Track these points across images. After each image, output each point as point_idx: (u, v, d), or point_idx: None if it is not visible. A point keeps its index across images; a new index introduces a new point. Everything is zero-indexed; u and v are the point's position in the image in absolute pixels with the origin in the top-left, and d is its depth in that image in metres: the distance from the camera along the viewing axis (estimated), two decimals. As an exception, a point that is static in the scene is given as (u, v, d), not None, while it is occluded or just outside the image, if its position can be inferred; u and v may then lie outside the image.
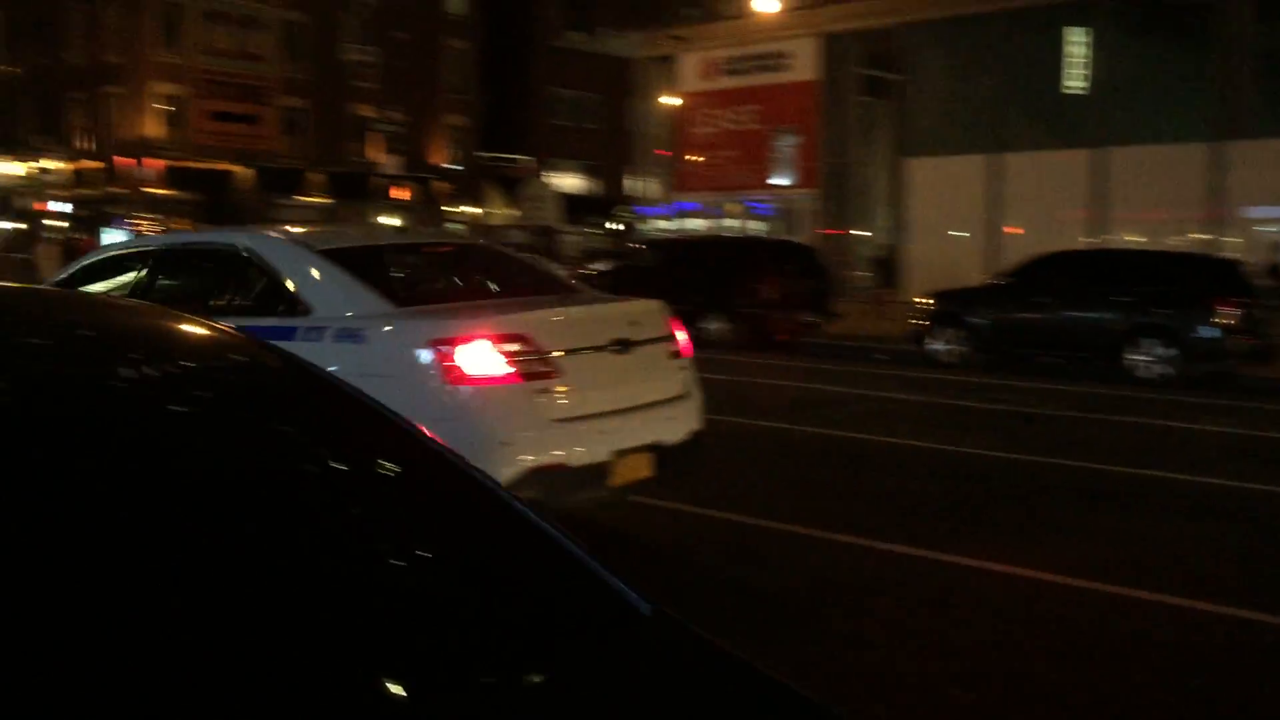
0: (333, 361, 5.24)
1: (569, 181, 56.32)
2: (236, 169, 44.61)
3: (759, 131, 31.51)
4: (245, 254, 6.40)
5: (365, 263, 6.35)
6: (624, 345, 6.08)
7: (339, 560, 1.65)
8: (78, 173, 45.66)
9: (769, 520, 7.21)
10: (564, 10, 38.32)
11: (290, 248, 6.43)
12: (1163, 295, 15.35)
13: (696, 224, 34.03)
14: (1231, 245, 22.26)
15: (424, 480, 1.95)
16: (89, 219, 46.28)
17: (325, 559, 1.62)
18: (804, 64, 30.45)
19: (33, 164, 44.04)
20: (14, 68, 48.49)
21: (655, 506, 7.38)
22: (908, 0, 27.69)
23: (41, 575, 1.33)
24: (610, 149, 50.79)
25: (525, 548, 1.86)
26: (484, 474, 2.01)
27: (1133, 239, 24.26)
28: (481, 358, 5.52)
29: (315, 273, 6.12)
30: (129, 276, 6.73)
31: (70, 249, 42.30)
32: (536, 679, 1.54)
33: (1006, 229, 26.13)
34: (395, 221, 46.59)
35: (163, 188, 43.04)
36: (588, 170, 57.97)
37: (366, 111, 41.71)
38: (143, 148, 42.75)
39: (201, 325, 2.07)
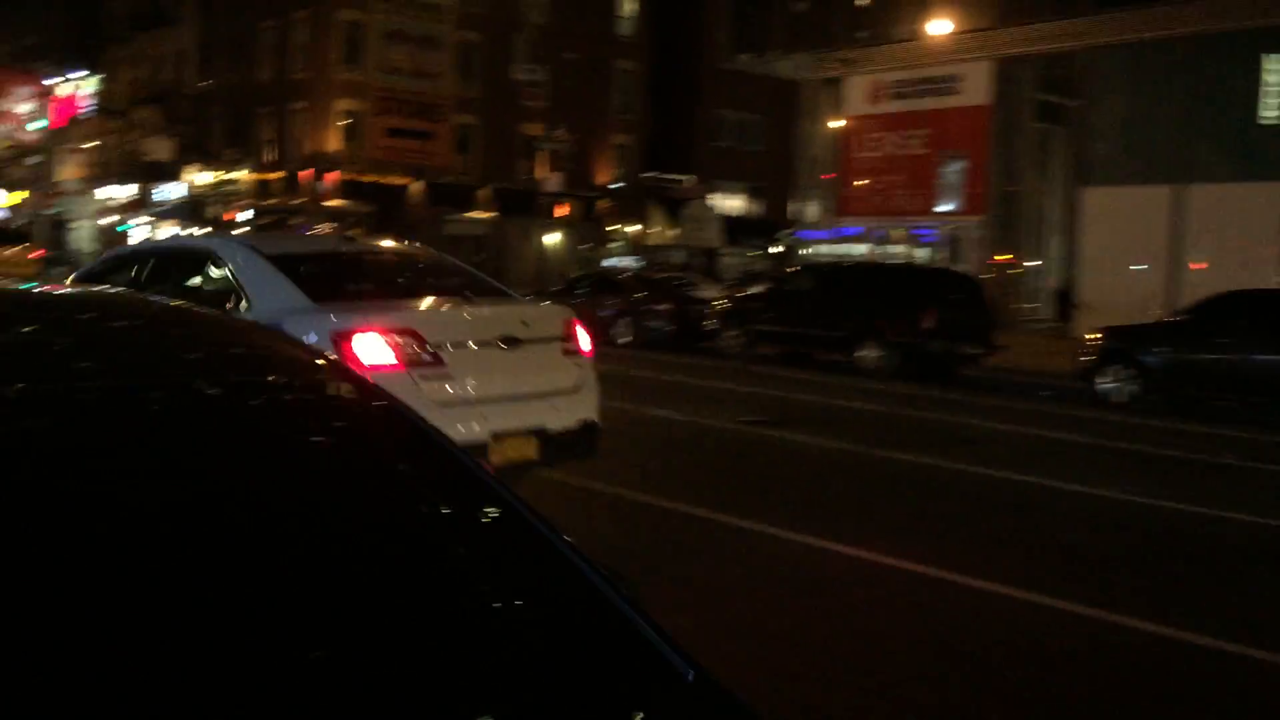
0: None
1: (732, 203, 56.16)
2: (409, 183, 45.98)
3: (925, 156, 30.78)
4: (212, 256, 7.54)
5: (301, 266, 7.27)
6: (512, 342, 6.94)
7: (379, 603, 1.51)
8: (262, 183, 47.81)
9: (910, 562, 6.84)
10: (733, 32, 38.27)
11: (244, 252, 7.42)
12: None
13: (858, 249, 33.45)
14: None
15: (471, 521, 1.79)
16: (271, 228, 48.46)
17: (360, 599, 1.48)
18: (976, 88, 29.62)
19: (221, 174, 46.35)
20: (209, 83, 51.16)
21: (818, 546, 7.13)
22: (1089, 24, 26.64)
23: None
24: (774, 171, 50.45)
25: (567, 597, 1.68)
26: (529, 510, 1.84)
27: (1329, 278, 22.68)
28: (371, 347, 6.46)
29: (258, 273, 7.09)
30: (125, 274, 7.85)
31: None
32: None
33: (1191, 265, 24.81)
34: (557, 237, 47.32)
35: (339, 199, 44.66)
36: (751, 192, 57.71)
37: (534, 130, 42.45)
38: (322, 161, 44.47)
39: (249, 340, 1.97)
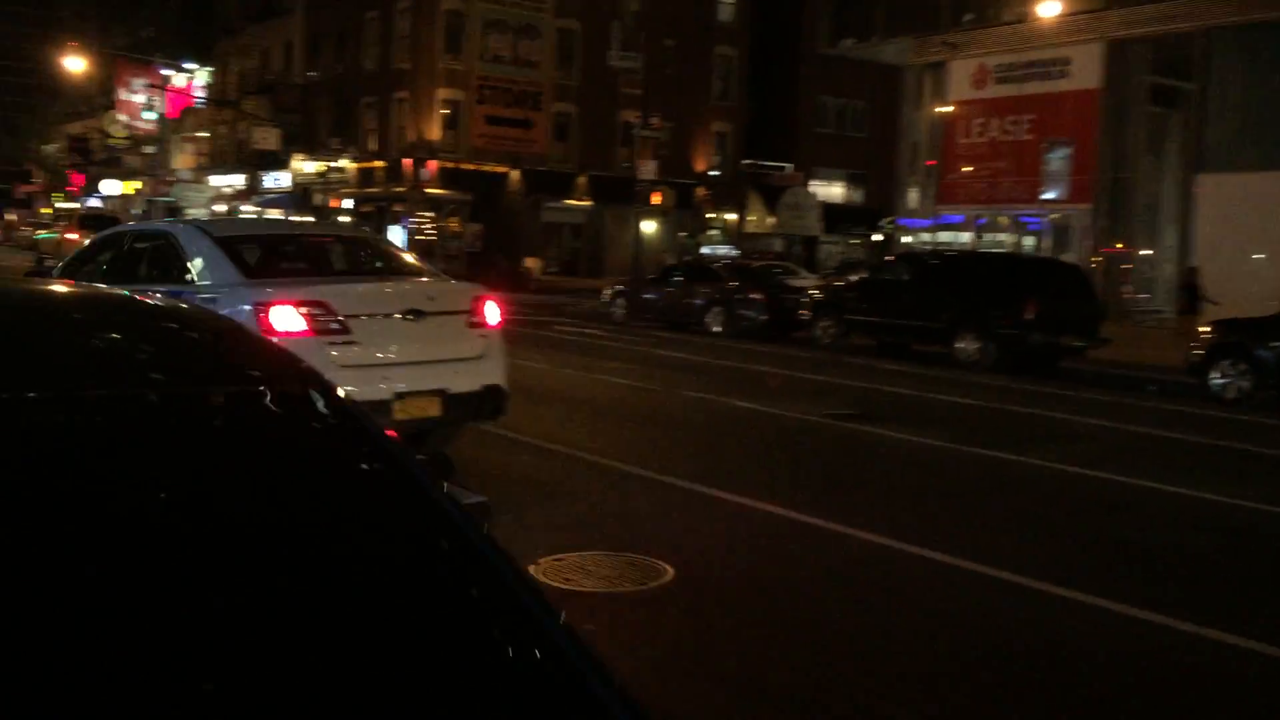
0: None
1: (832, 191, 55.41)
2: (508, 171, 46.26)
3: (1031, 142, 29.89)
4: (168, 238, 8.71)
5: (243, 247, 8.47)
6: (417, 314, 7.95)
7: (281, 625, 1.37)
8: (365, 172, 48.57)
9: (987, 566, 6.53)
10: (834, 17, 37.65)
11: (194, 234, 8.60)
12: None
13: (961, 237, 32.67)
14: None
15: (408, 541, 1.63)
16: (373, 215, 49.22)
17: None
18: (1086, 71, 28.63)
19: (326, 163, 47.22)
20: (315, 74, 52.12)
21: (909, 552, 6.89)
22: (1205, 3, 25.53)
23: None
24: (876, 158, 49.59)
25: (510, 641, 1.50)
26: (475, 532, 1.67)
27: None
28: (285, 317, 7.47)
29: (204, 253, 8.21)
30: (108, 254, 9.30)
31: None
32: None
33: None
34: (653, 225, 47.14)
35: (439, 188, 45.15)
36: (852, 180, 56.88)
37: (632, 117, 42.35)
38: (424, 149, 44.97)
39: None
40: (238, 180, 57.49)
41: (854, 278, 23.57)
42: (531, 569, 6.08)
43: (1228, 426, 12.96)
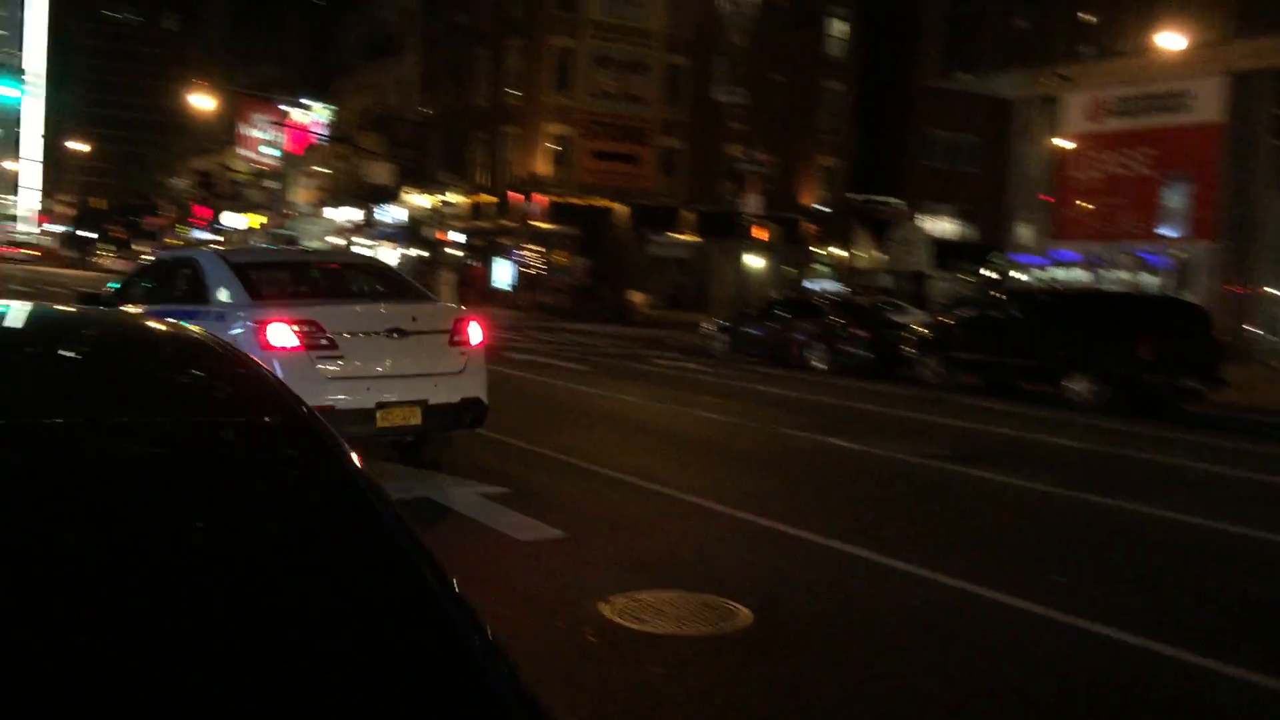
0: (217, 330, 7.80)
1: (942, 226, 54.47)
2: (615, 206, 46.53)
3: (1149, 177, 28.94)
4: (194, 264, 9.84)
5: (255, 271, 9.55)
6: (400, 333, 8.85)
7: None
8: (474, 206, 49.35)
9: (1085, 620, 6.15)
10: (946, 50, 37.16)
11: (214, 261, 9.73)
12: None
13: (1076, 275, 31.75)
14: None
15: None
16: (482, 249, 49.97)
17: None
18: (1207, 104, 27.66)
19: (437, 197, 48.13)
20: (428, 110, 53.27)
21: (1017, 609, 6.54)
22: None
23: None
24: (988, 193, 48.64)
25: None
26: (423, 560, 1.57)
27: None
28: (280, 334, 8.45)
29: (221, 276, 9.26)
30: (149, 277, 10.60)
31: (464, 276, 45.86)
32: None
33: None
34: (759, 260, 46.88)
35: (547, 222, 45.62)
36: (963, 215, 55.86)
37: (737, 152, 42.30)
38: (532, 184, 45.54)
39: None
40: (353, 214, 58.97)
41: (961, 314, 23.00)
42: (604, 608, 5.91)
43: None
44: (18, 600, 1.30)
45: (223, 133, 70.39)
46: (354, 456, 1.78)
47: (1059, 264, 31.93)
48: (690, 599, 6.19)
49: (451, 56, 51.30)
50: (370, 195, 55.40)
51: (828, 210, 52.81)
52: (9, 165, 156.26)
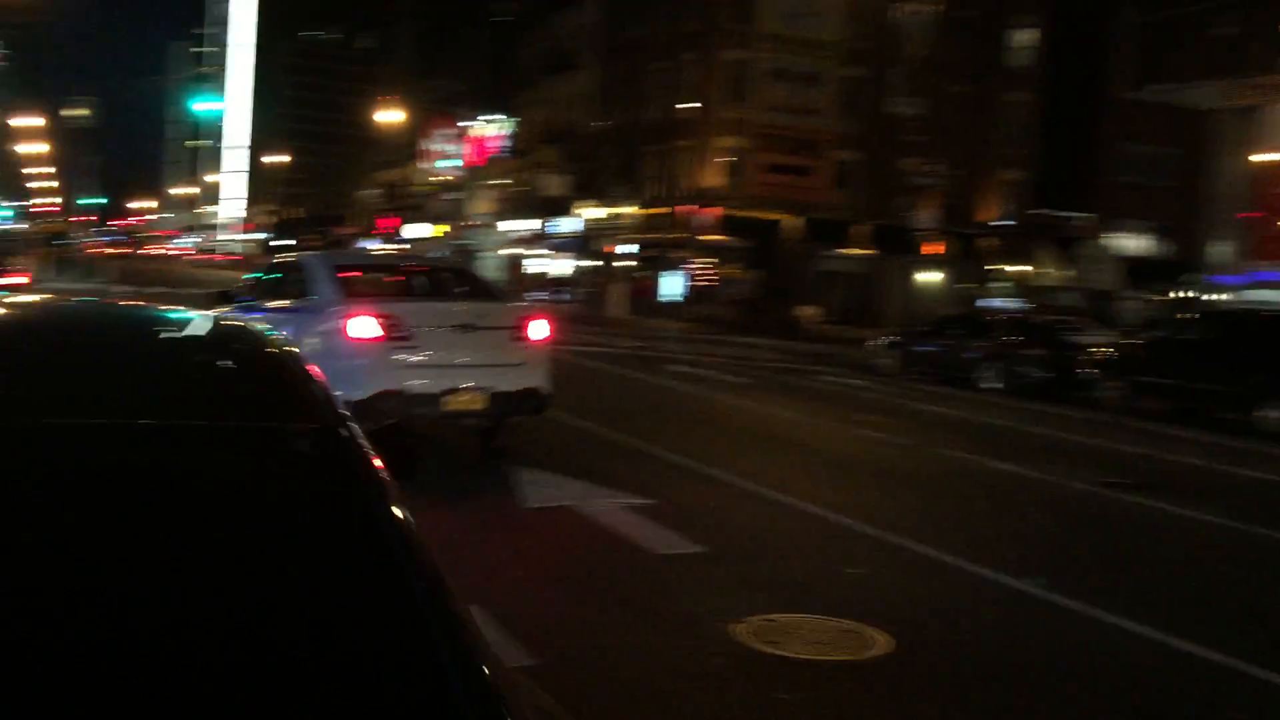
0: (309, 324, 9.75)
1: (1133, 243, 51.97)
2: (786, 219, 46.12)
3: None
4: (303, 267, 11.11)
5: (350, 273, 10.98)
6: (468, 328, 9.89)
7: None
8: (646, 218, 49.70)
9: (1263, 669, 5.62)
10: (1139, 61, 35.47)
11: (318, 264, 10.96)
12: None
13: (1277, 297, 29.80)
14: None
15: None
16: (653, 261, 50.26)
17: None
18: None
19: (610, 209, 48.70)
20: (603, 123, 53.98)
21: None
22: None
23: None
24: (1182, 210, 46.17)
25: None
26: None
27: None
28: (361, 326, 9.57)
29: (320, 277, 10.46)
30: (270, 278, 11.95)
31: (634, 287, 46.26)
32: None
33: None
34: (934, 276, 45.70)
35: (718, 234, 45.55)
36: (1156, 232, 53.18)
37: (913, 165, 41.34)
38: (703, 196, 45.56)
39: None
40: (529, 225, 60.24)
41: (1149, 335, 21.82)
42: (738, 628, 5.74)
43: None
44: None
45: (408, 146, 72.97)
46: (376, 467, 1.69)
47: (1258, 284, 30.01)
48: (828, 624, 5.95)
49: (627, 71, 51.85)
50: (545, 207, 56.47)
51: (1009, 225, 51.12)
52: (212, 178, 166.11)
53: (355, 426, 1.77)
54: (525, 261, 60.66)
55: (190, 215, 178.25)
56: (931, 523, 8.89)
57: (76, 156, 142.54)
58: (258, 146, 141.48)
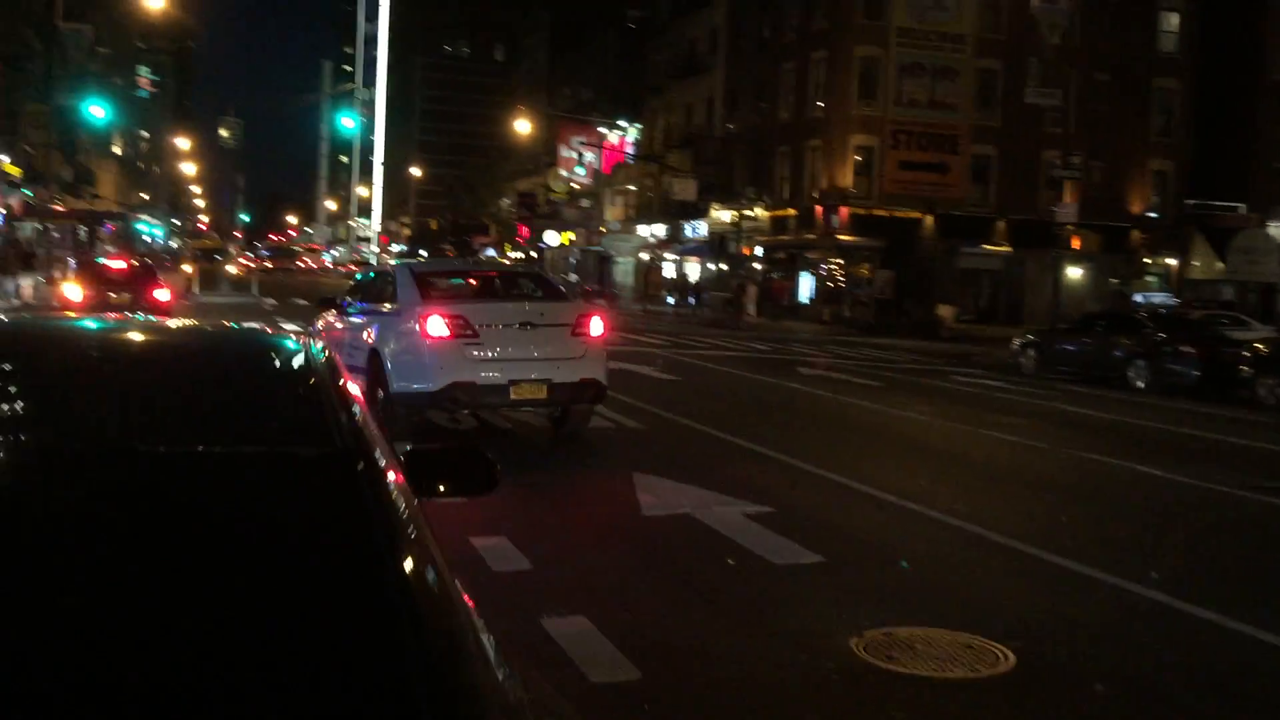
0: (394, 324, 11.25)
1: (1294, 233, 49.30)
2: (921, 216, 45.14)
3: None
4: (391, 273, 12.51)
5: (430, 278, 12.31)
6: (531, 326, 10.98)
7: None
8: (777, 220, 49.26)
9: None
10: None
11: (403, 271, 12.26)
12: None
13: None
14: None
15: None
16: (784, 262, 49.78)
17: None
18: None
19: (740, 212, 48.33)
20: (733, 125, 53.72)
21: None
22: None
23: None
24: (1350, 196, 43.55)
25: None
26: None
27: None
28: (436, 325, 10.75)
29: (404, 283, 11.65)
30: (365, 283, 13.54)
31: (766, 289, 45.87)
32: None
33: None
34: (1079, 271, 44.15)
35: (850, 234, 44.85)
36: (1320, 220, 50.32)
37: (1054, 157, 39.93)
38: (835, 196, 44.91)
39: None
40: (660, 230, 60.34)
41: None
42: (853, 642, 5.53)
43: None
44: None
45: (544, 155, 73.92)
46: (387, 496, 1.59)
47: None
48: (950, 638, 5.70)
49: (756, 72, 51.50)
50: (676, 211, 56.49)
51: (1159, 217, 49.04)
52: (361, 191, 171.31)
53: (375, 446, 1.68)
54: (661, 265, 60.83)
55: (336, 229, 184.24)
56: (1064, 529, 8.49)
57: (227, 174, 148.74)
58: (394, 160, 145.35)
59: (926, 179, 45.21)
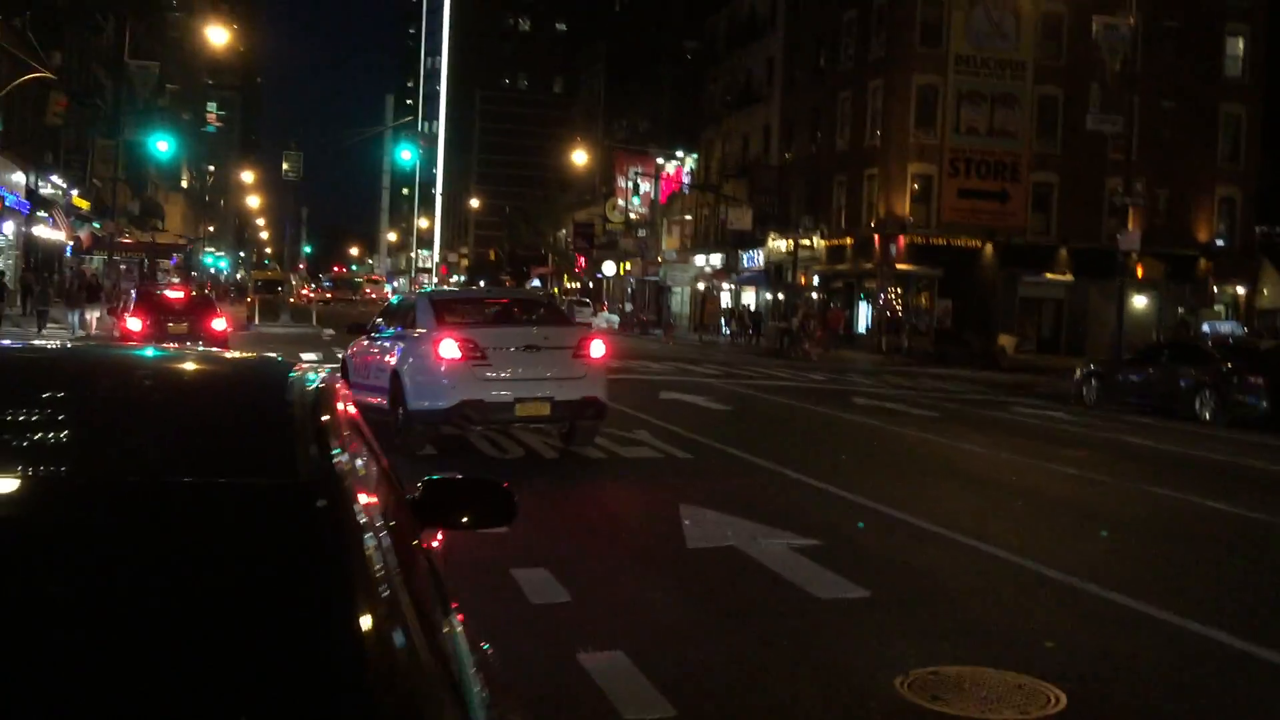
0: (413, 347, 12.20)
1: (1370, 261, 48.07)
2: (981, 245, 44.62)
3: None
4: (412, 301, 13.80)
5: (447, 306, 13.17)
6: (535, 348, 11.95)
7: None
8: (833, 249, 48.94)
9: None
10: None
11: (423, 297, 13.68)
12: None
13: None
14: None
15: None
16: (841, 292, 49.41)
17: None
18: None
19: (795, 240, 48.08)
20: (789, 154, 53.58)
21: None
22: None
23: None
24: None
25: None
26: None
27: None
28: (448, 348, 11.66)
29: (424, 310, 12.70)
30: (391, 309, 14.66)
31: (823, 319, 45.51)
32: None
33: None
34: (1144, 300, 43.32)
35: (908, 263, 44.43)
36: None
37: (1117, 185, 39.26)
38: (893, 225, 44.56)
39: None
40: (717, 260, 60.24)
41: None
42: (899, 681, 5.35)
43: None
44: None
45: (601, 185, 74.26)
46: (362, 523, 1.48)
47: None
48: (1000, 678, 5.49)
49: (813, 101, 51.38)
50: (733, 240, 56.37)
51: (1226, 245, 48.06)
52: (421, 223, 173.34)
53: (347, 480, 1.57)
54: (718, 295, 60.69)
55: (397, 260, 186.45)
56: (1125, 566, 8.20)
57: (290, 206, 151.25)
58: (453, 191, 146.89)
59: (986, 207, 44.72)
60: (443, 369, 11.64)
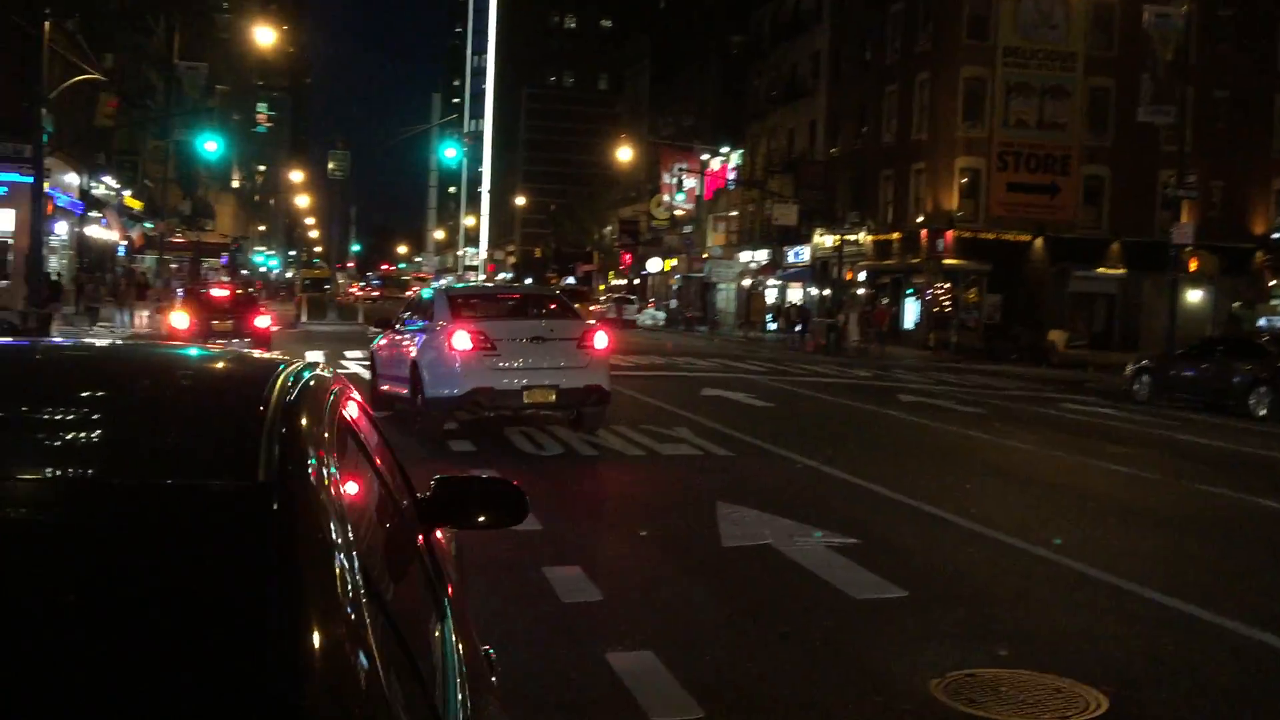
0: (430, 339, 13.06)
1: None
2: (1030, 239, 44.00)
3: None
4: (431, 294, 14.60)
5: (459, 298, 14.10)
6: (540, 339, 12.86)
7: None
8: (880, 244, 48.48)
9: None
10: None
11: (440, 293, 14.44)
12: None
13: None
14: None
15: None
16: (888, 287, 48.93)
17: None
18: None
19: (843, 236, 47.68)
20: (835, 149, 53.14)
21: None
22: None
23: None
24: None
25: None
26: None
27: None
28: (459, 339, 12.55)
29: (440, 303, 13.57)
30: (412, 303, 15.52)
31: (869, 314, 45.10)
32: None
33: None
34: (1199, 295, 42.49)
35: (956, 258, 43.90)
36: None
37: (1170, 177, 38.52)
38: (940, 220, 44.02)
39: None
40: (762, 256, 59.93)
41: None
42: (935, 683, 5.23)
43: None
44: None
45: (646, 182, 74.14)
46: (323, 528, 1.41)
47: None
48: (1038, 681, 5.35)
49: (859, 96, 50.91)
50: (778, 237, 56.03)
51: (1283, 238, 47.00)
52: (468, 221, 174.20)
53: (310, 481, 1.49)
54: (763, 291, 60.38)
55: (445, 258, 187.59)
56: (1173, 566, 8.00)
57: (339, 205, 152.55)
58: (499, 189, 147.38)
59: (1036, 201, 44.07)
60: (456, 359, 12.47)
